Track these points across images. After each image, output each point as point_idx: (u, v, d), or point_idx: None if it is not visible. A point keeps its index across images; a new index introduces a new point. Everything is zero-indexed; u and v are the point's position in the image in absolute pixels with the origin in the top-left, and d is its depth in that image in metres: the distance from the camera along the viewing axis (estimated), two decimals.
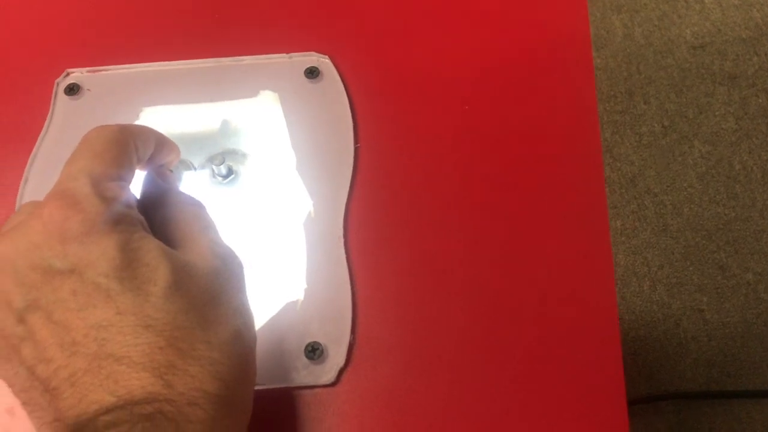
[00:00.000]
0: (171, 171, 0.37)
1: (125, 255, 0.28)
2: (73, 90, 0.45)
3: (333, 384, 0.37)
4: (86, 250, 0.28)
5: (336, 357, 0.37)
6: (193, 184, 0.41)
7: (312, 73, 0.44)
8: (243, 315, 0.31)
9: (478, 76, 0.45)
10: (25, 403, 0.30)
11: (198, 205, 0.34)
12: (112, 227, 0.29)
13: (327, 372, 0.37)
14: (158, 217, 0.33)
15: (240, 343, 0.30)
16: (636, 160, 1.20)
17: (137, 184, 0.34)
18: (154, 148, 0.34)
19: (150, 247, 0.29)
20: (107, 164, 0.31)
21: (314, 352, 0.37)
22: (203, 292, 0.30)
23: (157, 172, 0.35)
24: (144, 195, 0.34)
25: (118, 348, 0.27)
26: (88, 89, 0.45)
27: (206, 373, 0.28)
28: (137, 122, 0.44)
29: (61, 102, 0.44)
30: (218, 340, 0.29)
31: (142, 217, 0.31)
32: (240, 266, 0.33)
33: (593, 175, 0.42)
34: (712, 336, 1.08)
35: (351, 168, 0.42)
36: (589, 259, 0.40)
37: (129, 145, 0.32)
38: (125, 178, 0.32)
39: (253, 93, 0.44)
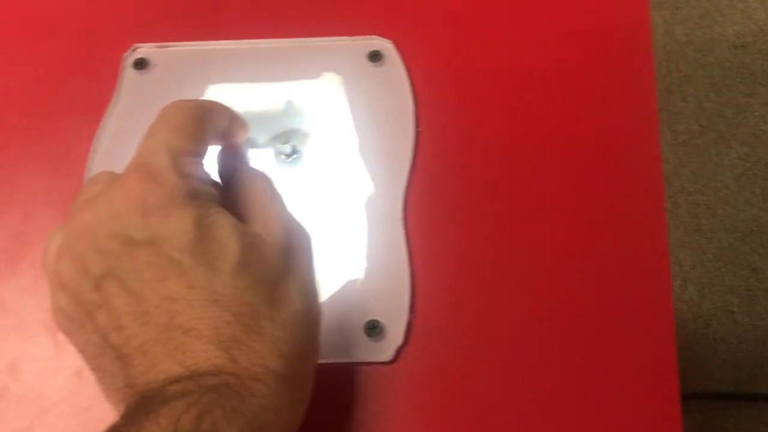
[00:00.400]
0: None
1: (199, 230, 0.29)
2: (140, 65, 0.46)
3: (391, 362, 0.38)
4: (164, 224, 0.29)
5: (395, 336, 0.38)
6: (256, 161, 0.42)
7: (375, 56, 0.45)
8: (308, 293, 0.32)
9: (541, 65, 0.45)
10: (94, 369, 0.30)
11: (266, 179, 0.35)
12: (190, 201, 0.29)
13: (385, 350, 0.38)
14: (230, 191, 0.34)
15: (304, 321, 0.31)
16: (671, 159, 1.19)
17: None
18: (227, 124, 0.35)
19: (223, 223, 0.30)
20: (185, 139, 0.31)
21: (374, 329, 0.38)
22: (270, 269, 0.30)
23: (229, 146, 0.36)
24: (218, 169, 0.35)
25: (187, 320, 0.28)
26: (156, 64, 0.46)
27: (269, 350, 0.29)
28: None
29: (129, 76, 0.45)
30: (282, 317, 0.30)
31: (216, 192, 0.32)
32: (308, 239, 0.33)
33: (651, 169, 0.42)
34: (741, 338, 1.08)
35: (411, 151, 0.43)
36: (645, 250, 0.40)
37: (205, 121, 0.33)
38: (201, 153, 0.32)
39: (317, 75, 0.45)
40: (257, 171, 0.35)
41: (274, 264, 0.31)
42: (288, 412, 0.29)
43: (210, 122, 0.33)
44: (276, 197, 0.34)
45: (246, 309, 0.29)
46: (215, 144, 0.36)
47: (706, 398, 1.04)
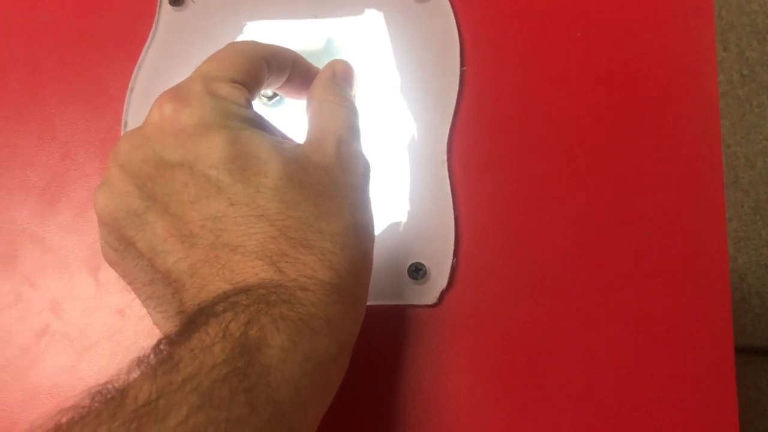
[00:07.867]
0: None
1: (234, 148, 0.29)
2: (177, 1, 0.44)
3: (435, 305, 0.37)
4: (194, 143, 0.29)
5: (438, 279, 0.37)
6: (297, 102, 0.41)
7: None
8: (360, 211, 0.31)
9: (595, 4, 0.43)
10: (148, 299, 0.30)
11: (340, 105, 0.34)
12: (222, 122, 0.29)
13: (430, 293, 0.37)
14: (308, 109, 0.34)
15: (354, 236, 0.30)
16: None
17: None
18: (293, 70, 0.35)
19: (260, 142, 0.29)
20: (226, 69, 0.31)
21: (418, 272, 0.37)
22: (316, 184, 0.30)
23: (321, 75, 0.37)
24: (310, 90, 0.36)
25: (234, 238, 0.28)
26: (193, 1, 0.44)
27: (318, 261, 0.28)
28: (241, 37, 0.43)
29: (166, 13, 0.44)
30: (331, 230, 0.29)
31: (258, 119, 0.31)
32: (364, 168, 0.33)
33: (709, 120, 0.41)
34: None
35: (456, 91, 0.41)
36: (699, 204, 0.39)
37: (259, 59, 0.33)
38: (246, 84, 0.32)
39: (359, 11, 0.43)
40: (341, 98, 0.35)
41: (320, 179, 0.30)
42: (340, 323, 0.28)
43: (265, 61, 0.33)
44: (344, 126, 0.33)
45: (292, 222, 0.28)
46: (285, 92, 0.36)
47: (739, 353, 1.02)
